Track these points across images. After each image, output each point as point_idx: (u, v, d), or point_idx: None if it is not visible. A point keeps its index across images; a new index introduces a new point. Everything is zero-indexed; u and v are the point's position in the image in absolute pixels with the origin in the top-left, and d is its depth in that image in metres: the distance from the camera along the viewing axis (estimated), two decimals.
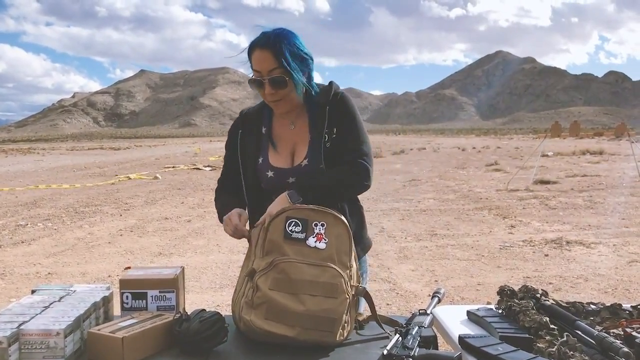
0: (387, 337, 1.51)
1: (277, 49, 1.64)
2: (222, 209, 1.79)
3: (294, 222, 1.50)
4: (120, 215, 9.44)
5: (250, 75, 1.73)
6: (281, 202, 1.64)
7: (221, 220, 1.76)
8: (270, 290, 1.42)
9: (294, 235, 1.49)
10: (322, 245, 1.49)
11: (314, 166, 1.74)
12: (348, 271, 1.50)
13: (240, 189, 1.85)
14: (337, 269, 1.47)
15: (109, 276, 5.51)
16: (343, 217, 1.56)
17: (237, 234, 1.65)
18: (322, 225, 1.51)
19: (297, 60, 1.68)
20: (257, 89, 1.72)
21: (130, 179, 16.58)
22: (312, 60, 1.75)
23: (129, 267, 1.84)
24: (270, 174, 1.78)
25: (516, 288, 1.69)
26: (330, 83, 1.84)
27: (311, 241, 1.49)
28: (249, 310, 1.44)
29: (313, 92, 1.79)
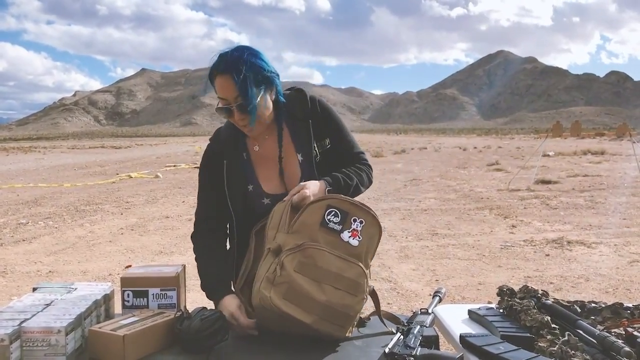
0: (390, 333, 1.51)
1: (237, 76, 1.53)
2: (211, 284, 1.67)
3: (333, 212, 1.47)
4: (121, 214, 9.45)
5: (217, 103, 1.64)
6: (320, 186, 1.58)
7: (209, 295, 1.65)
8: (295, 272, 1.40)
9: (330, 225, 1.46)
10: (355, 242, 1.47)
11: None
12: (368, 271, 1.50)
13: (224, 224, 1.76)
14: (364, 268, 1.47)
15: (110, 274, 5.52)
16: (379, 220, 1.53)
17: (246, 330, 1.54)
18: (361, 222, 1.49)
19: (261, 82, 1.59)
20: (226, 117, 1.63)
21: (131, 177, 16.59)
22: (278, 76, 1.66)
23: (130, 266, 1.84)
24: (266, 201, 1.70)
25: (517, 288, 1.69)
26: (300, 91, 1.76)
27: (345, 235, 1.47)
28: (268, 286, 1.40)
29: (280, 99, 1.71)
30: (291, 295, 1.39)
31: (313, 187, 1.55)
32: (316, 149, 1.71)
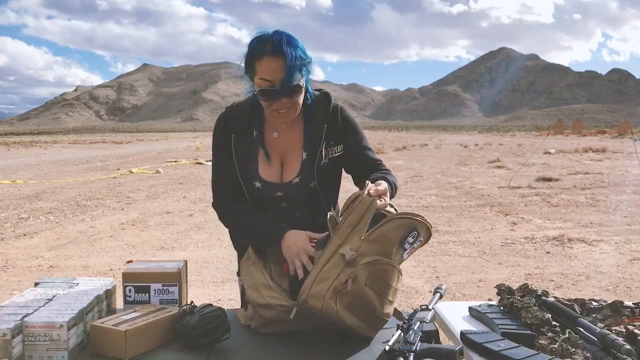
0: (391, 328, 1.52)
1: (291, 56, 1.52)
2: (265, 227, 1.63)
3: (414, 234, 1.46)
4: (122, 209, 9.46)
5: (251, 89, 1.65)
6: (384, 187, 1.52)
7: (267, 240, 1.61)
8: (366, 286, 1.39)
9: (405, 245, 1.45)
10: (406, 257, 1.48)
11: (305, 184, 1.71)
12: None
13: (241, 193, 1.74)
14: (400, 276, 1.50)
15: (111, 269, 5.53)
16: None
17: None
18: (419, 241, 1.49)
19: (302, 67, 1.58)
20: (266, 101, 1.58)
21: (132, 173, 16.60)
22: (311, 62, 1.64)
23: (131, 261, 1.85)
24: (258, 184, 1.70)
25: (516, 286, 1.70)
26: (326, 95, 1.77)
27: (405, 254, 1.47)
28: (334, 295, 1.38)
29: (309, 101, 1.72)
30: (354, 306, 1.41)
31: (380, 185, 1.53)
32: (323, 152, 1.70)
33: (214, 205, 1.77)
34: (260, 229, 1.64)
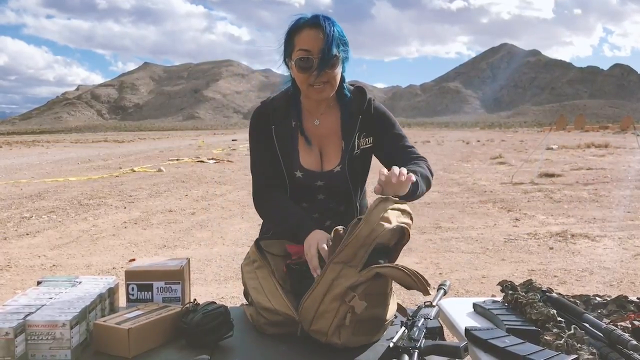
0: (396, 325, 1.52)
1: (329, 28, 1.59)
2: (297, 219, 1.64)
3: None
4: (125, 208, 9.46)
5: (279, 63, 1.70)
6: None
7: (296, 232, 1.60)
8: (366, 309, 1.36)
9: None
10: None
11: (344, 173, 1.73)
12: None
13: (283, 185, 1.76)
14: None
15: (114, 268, 5.53)
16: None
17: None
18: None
19: (340, 45, 1.63)
20: (301, 71, 1.61)
21: (134, 171, 16.60)
22: (349, 48, 1.68)
23: (134, 259, 1.84)
24: (299, 174, 1.73)
25: (520, 282, 1.69)
26: (361, 89, 1.80)
27: None
28: (336, 331, 1.38)
29: (345, 91, 1.76)
30: (359, 331, 1.40)
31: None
32: (357, 142, 1.73)
33: (253, 194, 1.79)
34: (290, 220, 1.65)
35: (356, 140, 1.73)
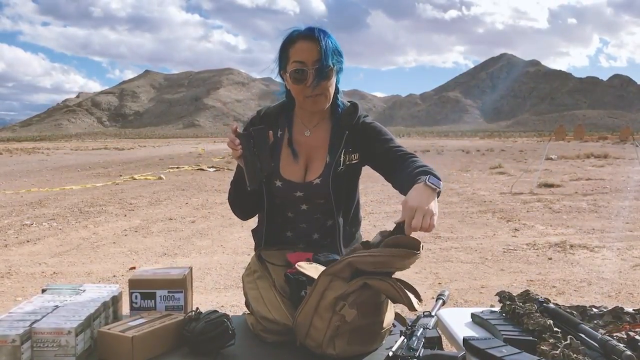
0: (395, 334, 1.54)
1: (324, 40, 1.62)
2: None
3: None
4: (125, 216, 9.48)
5: (275, 72, 1.73)
6: (426, 194, 1.47)
7: (240, 188, 1.71)
8: (359, 318, 1.36)
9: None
10: None
11: (326, 187, 1.72)
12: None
13: (255, 196, 1.77)
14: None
15: (114, 276, 5.54)
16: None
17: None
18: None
19: (335, 57, 1.66)
20: (296, 83, 1.65)
21: (134, 179, 16.62)
22: (343, 59, 1.72)
23: (134, 267, 1.87)
24: (278, 183, 1.75)
25: (518, 292, 1.71)
26: (355, 105, 1.81)
27: None
28: (330, 343, 1.38)
29: (338, 102, 1.78)
30: (354, 341, 1.39)
31: (414, 198, 1.46)
32: (342, 158, 1.74)
33: (228, 199, 1.85)
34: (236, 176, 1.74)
35: (342, 156, 1.73)
